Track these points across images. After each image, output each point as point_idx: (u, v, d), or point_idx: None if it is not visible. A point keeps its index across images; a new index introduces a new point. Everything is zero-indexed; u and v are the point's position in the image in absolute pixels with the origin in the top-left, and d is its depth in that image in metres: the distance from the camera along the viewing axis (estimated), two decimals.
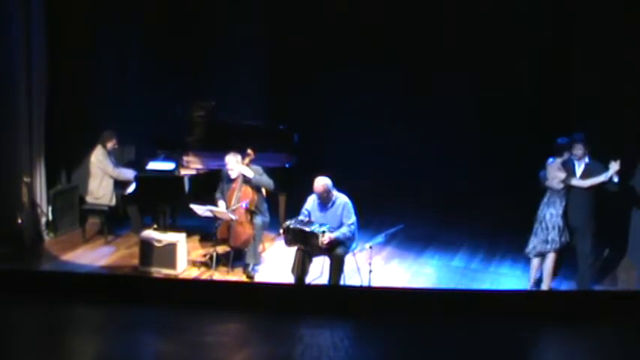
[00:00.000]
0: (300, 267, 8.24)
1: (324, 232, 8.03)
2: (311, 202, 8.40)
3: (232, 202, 8.78)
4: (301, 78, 11.51)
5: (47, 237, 9.78)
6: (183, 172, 9.77)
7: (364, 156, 11.28)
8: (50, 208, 9.83)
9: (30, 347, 5.73)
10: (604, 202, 8.19)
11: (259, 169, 8.99)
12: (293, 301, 6.91)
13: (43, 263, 9.16)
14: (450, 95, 10.98)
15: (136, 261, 8.95)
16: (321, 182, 8.24)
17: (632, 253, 8.65)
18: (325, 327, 6.20)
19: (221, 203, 8.87)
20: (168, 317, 6.38)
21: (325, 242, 8.03)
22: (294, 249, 8.30)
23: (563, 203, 8.18)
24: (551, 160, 8.21)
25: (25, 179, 9.40)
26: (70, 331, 6.22)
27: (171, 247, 8.79)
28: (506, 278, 8.94)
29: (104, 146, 9.70)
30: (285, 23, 11.52)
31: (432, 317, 6.34)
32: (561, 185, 8.14)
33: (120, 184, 9.82)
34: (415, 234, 9.86)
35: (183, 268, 8.91)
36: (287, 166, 9.99)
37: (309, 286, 8.29)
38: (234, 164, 8.80)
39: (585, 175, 8.13)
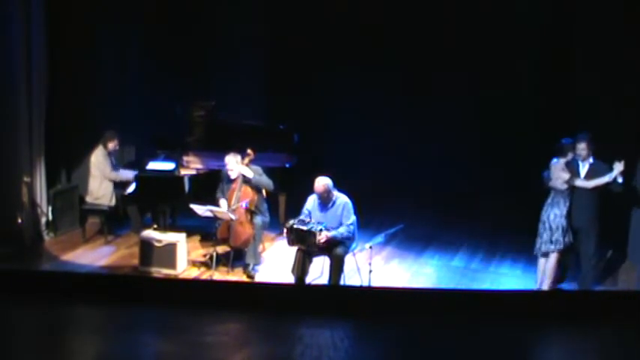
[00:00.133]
0: (300, 267, 8.24)
1: (321, 230, 8.04)
2: (311, 202, 8.40)
3: (232, 202, 8.78)
4: (301, 78, 11.51)
5: (47, 237, 9.77)
6: (183, 172, 9.76)
7: (364, 156, 11.28)
8: (50, 208, 9.83)
9: (30, 347, 5.74)
10: (608, 203, 8.16)
11: (259, 169, 8.99)
12: (293, 301, 6.92)
13: (43, 263, 9.15)
14: (450, 95, 10.98)
15: (136, 261, 8.95)
16: (322, 182, 8.24)
17: (632, 254, 8.64)
18: (325, 327, 6.21)
19: (222, 202, 8.87)
20: (168, 317, 6.39)
21: (322, 240, 8.03)
22: (294, 249, 8.30)
23: (567, 204, 8.15)
24: (555, 160, 8.17)
25: (25, 179, 9.40)
26: (70, 331, 6.23)
27: (171, 247, 8.78)
28: (506, 278, 8.93)
29: (105, 146, 9.70)
30: (285, 23, 11.52)
31: (432, 317, 6.34)
32: (565, 186, 8.11)
33: (120, 184, 9.82)
34: (415, 234, 9.86)
35: (183, 268, 8.91)
36: (287, 166, 9.99)
37: (309, 286, 8.29)
38: (234, 164, 8.80)
39: (589, 175, 8.09)
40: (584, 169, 8.14)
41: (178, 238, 8.86)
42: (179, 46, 11.06)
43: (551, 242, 8.20)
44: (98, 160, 9.66)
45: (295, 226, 8.17)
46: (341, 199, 8.30)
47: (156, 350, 5.84)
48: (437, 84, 11.02)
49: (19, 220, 9.32)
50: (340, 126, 11.48)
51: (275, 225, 9.63)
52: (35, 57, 9.41)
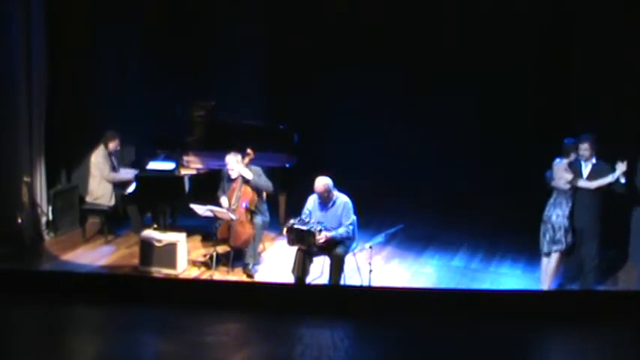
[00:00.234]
0: (301, 267, 8.24)
1: (320, 230, 8.04)
2: (312, 201, 8.40)
3: (232, 202, 8.79)
4: (301, 78, 11.51)
5: (47, 237, 9.78)
6: (183, 171, 9.77)
7: (364, 156, 11.28)
8: (50, 208, 9.83)
9: (30, 347, 5.73)
10: (610, 204, 8.15)
11: (259, 169, 8.99)
12: (293, 301, 6.91)
13: (43, 263, 9.16)
14: (450, 95, 10.97)
15: (136, 261, 8.95)
16: (322, 182, 8.24)
17: (633, 253, 8.64)
18: (325, 327, 6.20)
19: (224, 200, 8.88)
20: (168, 317, 6.38)
21: (321, 240, 8.03)
22: (294, 249, 8.30)
23: (570, 204, 8.13)
24: (558, 160, 8.15)
25: (25, 179, 9.40)
26: (70, 331, 6.22)
27: (171, 247, 8.79)
28: (506, 278, 8.93)
29: (106, 146, 9.71)
30: (285, 23, 11.52)
31: (432, 317, 6.34)
32: (568, 186, 8.10)
33: (120, 184, 9.82)
34: (415, 234, 9.86)
35: (184, 268, 8.91)
36: (287, 166, 9.99)
37: (309, 286, 8.29)
38: (235, 164, 8.81)
39: (592, 176, 8.06)
40: (586, 169, 8.11)
41: (178, 238, 8.86)
42: (179, 46, 11.06)
43: (554, 242, 8.19)
44: (98, 160, 9.66)
45: (295, 226, 8.17)
46: (341, 198, 8.31)
47: (156, 350, 5.84)
48: (437, 84, 11.02)
49: (19, 220, 9.32)
50: (340, 126, 11.48)
51: (275, 225, 9.63)
52: (35, 57, 9.41)
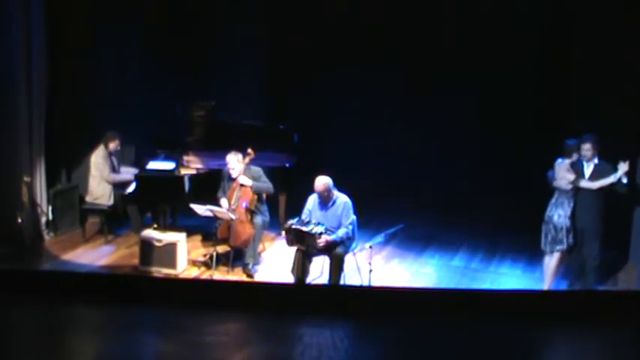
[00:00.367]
0: (300, 267, 8.24)
1: (321, 233, 8.04)
2: (312, 201, 8.41)
3: (232, 202, 8.79)
4: (301, 78, 11.51)
5: (47, 237, 9.77)
6: (183, 171, 9.76)
7: (364, 156, 11.28)
8: (50, 208, 9.83)
9: (30, 347, 5.73)
10: (612, 204, 8.14)
11: (260, 170, 8.99)
12: (293, 301, 6.91)
13: (43, 263, 9.15)
14: (450, 95, 10.98)
15: (136, 261, 8.95)
16: (322, 181, 8.25)
17: (634, 254, 8.63)
18: (325, 327, 6.20)
19: (224, 201, 8.87)
20: (168, 317, 6.38)
21: (322, 244, 8.04)
22: (294, 249, 8.30)
23: (572, 204, 8.12)
24: (560, 160, 8.15)
25: (25, 179, 9.40)
26: (70, 331, 6.22)
27: (171, 247, 8.78)
28: (506, 278, 8.93)
29: (106, 147, 9.70)
30: (285, 23, 11.52)
31: (432, 317, 6.33)
32: (570, 186, 8.09)
33: (120, 184, 9.82)
34: (415, 234, 9.86)
35: (184, 268, 8.91)
36: (287, 165, 9.99)
37: (309, 286, 8.29)
38: (235, 163, 8.81)
39: (594, 176, 8.04)
40: (588, 169, 8.09)
41: (178, 238, 8.86)
42: (179, 46, 11.06)
43: (555, 242, 8.19)
44: (98, 161, 9.66)
45: (294, 227, 8.17)
46: (341, 198, 8.31)
47: (156, 350, 5.84)
48: (437, 84, 11.02)
49: (19, 220, 9.32)
50: (340, 126, 11.48)
51: (275, 225, 9.63)
52: (35, 57, 9.40)
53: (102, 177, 9.65)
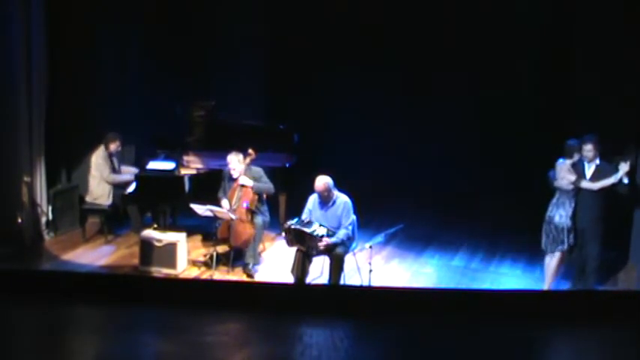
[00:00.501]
0: (300, 267, 8.24)
1: (322, 236, 8.04)
2: (312, 201, 8.41)
3: (233, 202, 8.79)
4: (301, 78, 11.52)
5: (47, 237, 9.77)
6: (183, 171, 9.76)
7: (364, 156, 11.28)
8: (50, 208, 9.83)
9: (30, 347, 5.73)
10: (613, 204, 8.13)
11: (260, 170, 8.98)
12: (293, 301, 6.91)
13: (43, 263, 9.15)
14: (450, 95, 10.98)
15: (136, 260, 8.95)
16: (322, 181, 8.25)
17: (634, 254, 8.63)
18: (325, 327, 6.20)
19: (224, 202, 8.87)
20: (168, 317, 6.38)
21: (322, 246, 8.04)
22: (294, 249, 8.30)
23: (573, 204, 8.11)
24: (561, 160, 8.14)
25: (25, 179, 9.40)
26: (70, 331, 6.22)
27: (171, 247, 8.78)
28: (506, 278, 8.93)
29: (107, 147, 9.70)
30: (285, 23, 11.53)
31: (432, 317, 6.33)
32: (571, 186, 8.09)
33: (120, 184, 9.82)
34: (415, 234, 9.86)
35: (184, 268, 8.91)
36: (287, 165, 10.00)
37: (309, 286, 8.29)
38: (236, 163, 8.81)
39: (595, 176, 8.04)
40: (590, 170, 8.08)
41: (178, 238, 8.86)
42: (179, 46, 11.06)
43: (556, 242, 8.18)
44: (98, 162, 9.66)
45: (293, 227, 8.17)
46: (341, 198, 8.31)
47: (156, 350, 5.83)
48: (437, 84, 11.03)
49: (19, 220, 9.32)
50: (340, 126, 11.48)
51: (275, 225, 9.63)
52: (35, 57, 9.40)
53: (102, 177, 9.65)
